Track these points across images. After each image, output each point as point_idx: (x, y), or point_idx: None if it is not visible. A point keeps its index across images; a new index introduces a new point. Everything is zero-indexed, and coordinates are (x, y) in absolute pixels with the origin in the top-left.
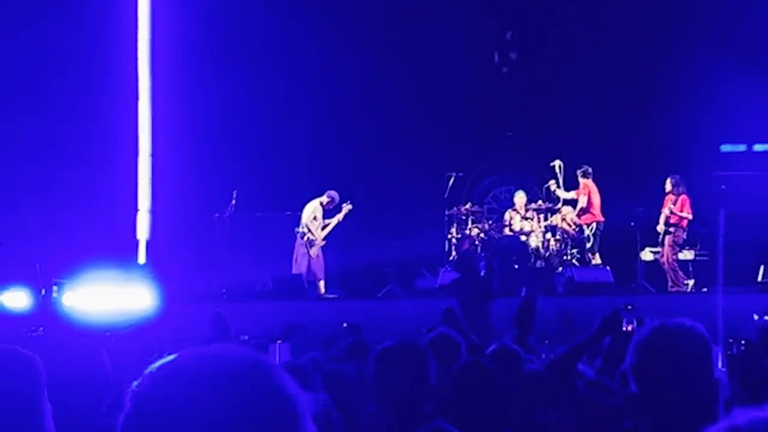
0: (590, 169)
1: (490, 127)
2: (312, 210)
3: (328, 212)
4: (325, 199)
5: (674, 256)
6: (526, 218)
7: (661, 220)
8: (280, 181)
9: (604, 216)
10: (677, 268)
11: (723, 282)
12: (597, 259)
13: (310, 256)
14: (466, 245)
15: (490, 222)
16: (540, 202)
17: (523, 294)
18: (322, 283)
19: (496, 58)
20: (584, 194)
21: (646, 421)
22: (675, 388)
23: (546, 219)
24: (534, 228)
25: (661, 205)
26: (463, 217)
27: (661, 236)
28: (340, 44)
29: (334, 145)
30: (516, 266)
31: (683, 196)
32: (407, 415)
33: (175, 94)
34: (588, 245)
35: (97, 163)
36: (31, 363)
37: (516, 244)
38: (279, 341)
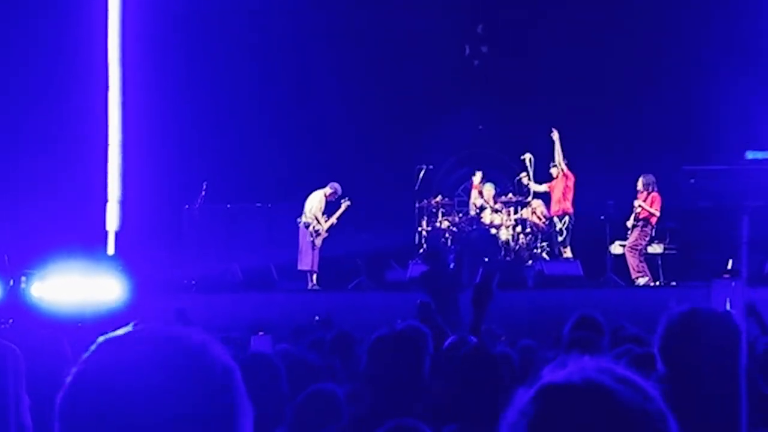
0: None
1: (461, 120)
2: (318, 201)
3: (329, 206)
4: (328, 190)
5: (640, 250)
6: (496, 211)
7: (632, 216)
8: (250, 173)
9: (574, 209)
10: (641, 260)
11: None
12: (568, 253)
13: (314, 246)
14: (436, 238)
15: (461, 215)
16: (510, 195)
17: (479, 274)
18: (315, 277)
19: (467, 51)
20: (562, 183)
21: (671, 404)
22: (702, 373)
23: (516, 212)
24: (504, 221)
25: (632, 201)
26: (434, 210)
27: (630, 229)
28: (312, 36)
29: (305, 137)
30: (486, 259)
31: (654, 194)
32: (400, 405)
33: (146, 83)
34: (560, 238)
35: (67, 153)
36: (11, 354)
37: (486, 237)
38: (260, 332)
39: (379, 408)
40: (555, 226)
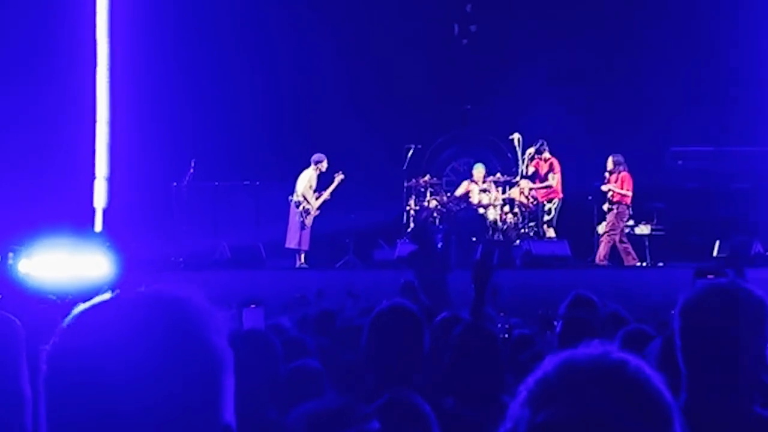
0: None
1: (450, 99)
2: (308, 178)
3: (321, 179)
4: (315, 165)
5: (616, 235)
6: (484, 191)
7: (606, 200)
8: (239, 151)
9: (563, 192)
10: (629, 249)
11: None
12: (551, 233)
13: (304, 225)
14: (424, 217)
15: (449, 194)
16: (498, 175)
17: (479, 251)
18: (304, 255)
19: (456, 30)
20: (556, 172)
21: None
22: (723, 350)
23: (504, 192)
24: (492, 201)
25: (598, 184)
26: (422, 189)
27: (606, 212)
28: (301, 14)
29: (293, 115)
30: (473, 239)
31: (624, 174)
32: (400, 381)
33: (134, 60)
34: (546, 218)
35: (55, 130)
36: (11, 326)
37: (474, 216)
38: (252, 305)
39: (380, 382)
40: (543, 207)
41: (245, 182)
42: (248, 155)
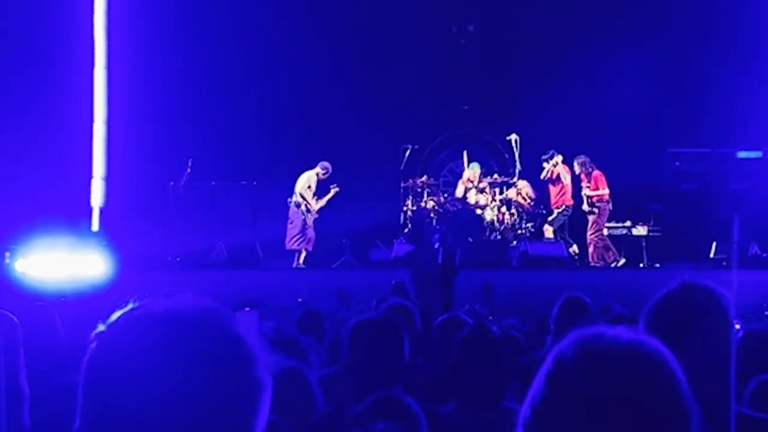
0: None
1: (447, 99)
2: (307, 179)
3: (320, 186)
4: (319, 170)
5: (600, 233)
6: (482, 191)
7: (585, 203)
8: (236, 151)
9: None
10: (608, 245)
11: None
12: (549, 233)
13: (306, 224)
14: (421, 218)
15: (446, 195)
16: (495, 175)
17: (440, 254)
18: (303, 256)
19: (454, 30)
20: (566, 179)
21: None
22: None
23: (501, 193)
24: (489, 202)
25: (617, 182)
26: (419, 190)
27: (587, 213)
28: (299, 14)
29: (290, 115)
30: (471, 240)
31: (595, 173)
32: (382, 388)
33: (131, 60)
34: (549, 218)
35: (52, 129)
36: (10, 324)
37: (471, 217)
38: (247, 308)
39: (362, 389)
40: (540, 207)
41: (242, 182)
42: (245, 155)
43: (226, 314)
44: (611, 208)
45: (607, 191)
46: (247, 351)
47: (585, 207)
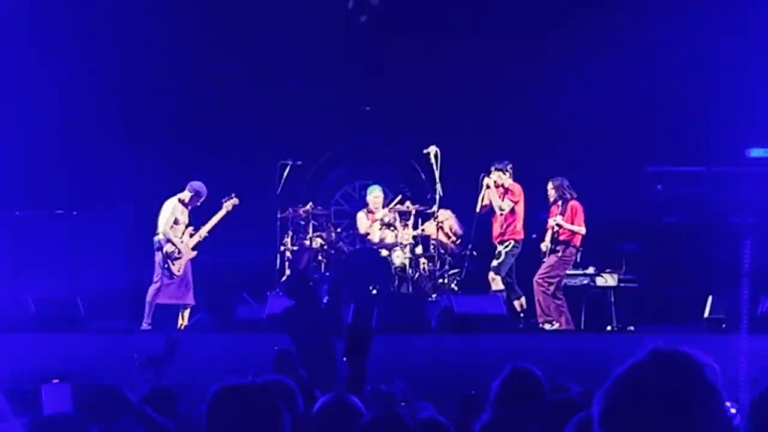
0: (510, 165)
1: (341, 99)
2: (170, 211)
3: (200, 212)
4: (186, 195)
5: (555, 285)
6: (389, 226)
7: (547, 236)
8: (49, 169)
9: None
10: (563, 307)
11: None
12: (498, 283)
13: (172, 274)
14: (305, 261)
15: (339, 230)
16: (407, 203)
17: (351, 311)
18: (187, 313)
19: (351, 4)
20: (513, 200)
21: None
22: None
23: (416, 227)
24: (398, 239)
25: (545, 216)
26: (302, 222)
27: (545, 254)
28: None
29: (129, 126)
30: (373, 291)
31: (572, 203)
32: None
33: None
34: (494, 262)
35: None
36: None
37: (373, 260)
38: (55, 380)
39: None
40: (468, 247)
41: (58, 211)
42: (62, 175)
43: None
44: (578, 259)
45: (583, 230)
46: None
47: (546, 243)
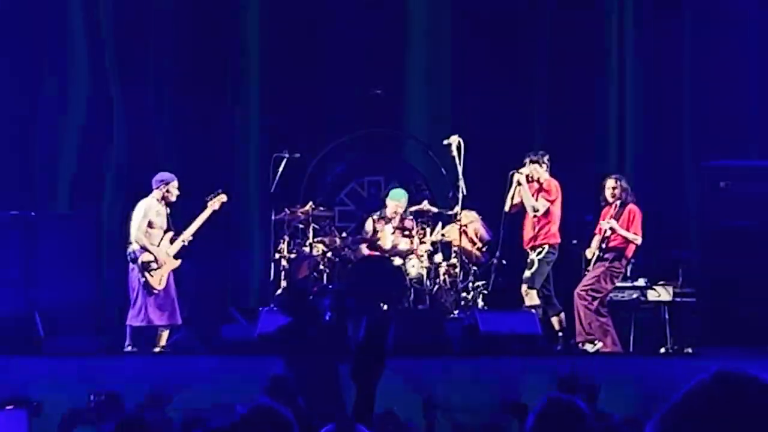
0: (547, 157)
1: (346, 78)
2: (142, 214)
3: (183, 213)
4: (157, 192)
5: (601, 297)
6: (403, 230)
7: (594, 241)
8: (3, 170)
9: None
10: (608, 326)
11: None
12: (533, 298)
13: (152, 289)
14: (304, 271)
15: (344, 234)
16: (425, 203)
17: (363, 326)
18: (165, 335)
19: None
20: (548, 198)
21: None
22: None
23: (434, 232)
24: (414, 246)
25: (596, 219)
26: (300, 225)
27: (590, 263)
28: None
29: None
30: (384, 307)
31: (631, 207)
32: None
33: None
34: (527, 273)
35: None
36: None
37: (384, 271)
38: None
39: None
40: (497, 255)
41: (12, 212)
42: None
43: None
44: (626, 272)
45: (639, 239)
46: None
47: (592, 249)
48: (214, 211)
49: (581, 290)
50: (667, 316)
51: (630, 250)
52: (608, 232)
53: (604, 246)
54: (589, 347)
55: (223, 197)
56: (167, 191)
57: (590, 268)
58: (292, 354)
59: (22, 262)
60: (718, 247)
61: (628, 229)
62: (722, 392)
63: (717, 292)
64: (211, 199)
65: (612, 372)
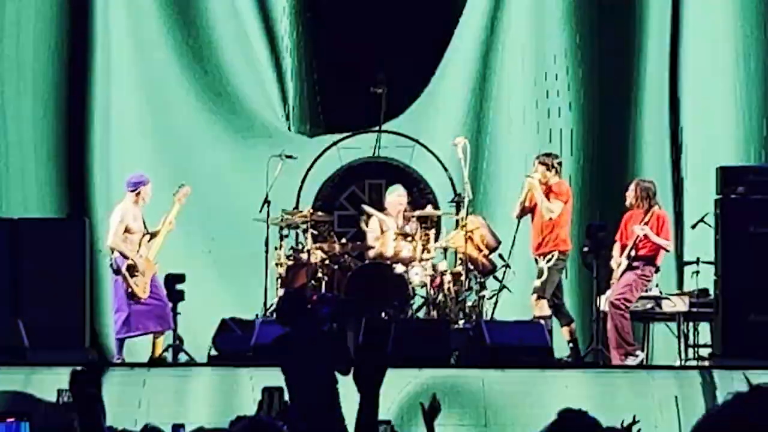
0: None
1: (343, 72)
2: (119, 219)
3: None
4: (130, 196)
5: (625, 309)
6: (405, 236)
7: (616, 249)
8: None
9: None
10: (628, 330)
11: None
12: (543, 308)
13: (138, 298)
14: (301, 279)
15: (344, 240)
16: (429, 207)
17: (362, 329)
18: (160, 342)
19: None
20: (561, 201)
21: None
22: None
23: (438, 238)
24: (416, 253)
25: (617, 226)
26: (297, 231)
27: (618, 273)
28: None
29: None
30: (385, 316)
31: (659, 212)
32: None
33: None
34: (537, 282)
35: None
36: None
37: (386, 279)
38: (10, 419)
39: None
40: (506, 262)
41: None
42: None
43: None
44: (653, 279)
45: (671, 246)
46: None
47: (620, 259)
48: (182, 206)
49: (616, 299)
50: (683, 328)
51: (660, 258)
52: (641, 238)
53: (633, 254)
54: (630, 360)
55: (187, 189)
56: (143, 194)
57: (616, 276)
58: (289, 365)
59: (5, 270)
60: (738, 252)
61: (658, 235)
62: (760, 407)
63: (736, 300)
64: (175, 194)
65: (624, 387)
